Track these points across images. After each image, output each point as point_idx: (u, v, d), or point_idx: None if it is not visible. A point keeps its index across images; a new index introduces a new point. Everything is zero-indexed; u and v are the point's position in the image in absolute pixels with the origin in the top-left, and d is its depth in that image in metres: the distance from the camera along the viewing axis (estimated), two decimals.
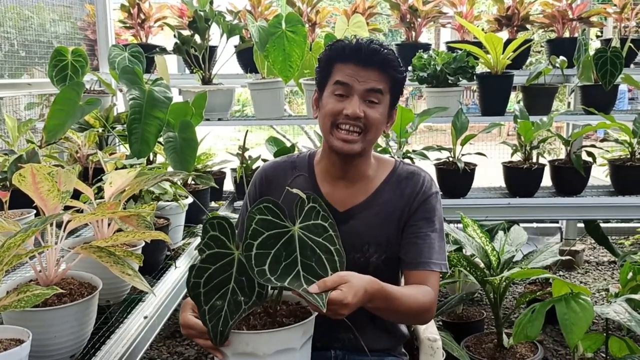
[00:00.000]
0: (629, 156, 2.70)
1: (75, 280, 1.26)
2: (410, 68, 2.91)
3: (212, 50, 2.96)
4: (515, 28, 3.23)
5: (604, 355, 1.61)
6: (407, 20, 3.25)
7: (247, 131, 2.04)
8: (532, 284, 2.97)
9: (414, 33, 3.28)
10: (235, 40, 3.03)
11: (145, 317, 1.45)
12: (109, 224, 1.46)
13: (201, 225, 2.18)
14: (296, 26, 2.73)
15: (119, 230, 1.42)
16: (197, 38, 2.84)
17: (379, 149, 2.53)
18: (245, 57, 3.13)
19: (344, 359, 1.48)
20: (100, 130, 2.40)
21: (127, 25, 3.31)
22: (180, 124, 1.87)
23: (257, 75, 3.02)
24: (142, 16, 3.30)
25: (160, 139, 1.84)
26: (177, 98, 2.58)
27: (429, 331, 1.51)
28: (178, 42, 2.84)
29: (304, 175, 1.45)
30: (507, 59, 2.81)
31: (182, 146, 1.85)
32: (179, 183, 1.98)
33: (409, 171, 1.47)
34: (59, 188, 1.13)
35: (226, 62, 3.00)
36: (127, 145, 2.44)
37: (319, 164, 1.48)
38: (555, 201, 2.66)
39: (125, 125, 2.46)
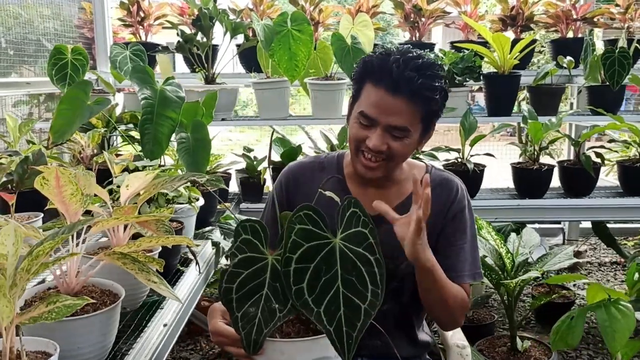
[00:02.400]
0: (637, 157, 2.68)
1: (97, 288, 1.20)
2: None
3: (214, 49, 2.91)
4: (519, 28, 3.21)
5: None
6: (411, 19, 3.22)
7: (272, 132, 1.98)
8: (539, 286, 2.95)
9: (418, 32, 3.24)
10: (237, 39, 2.98)
11: (165, 325, 1.40)
12: (124, 229, 1.41)
13: (208, 228, 2.14)
14: (302, 25, 2.69)
15: (138, 235, 1.37)
16: (200, 36, 2.79)
17: None
18: (248, 56, 3.08)
19: None
20: (102, 130, 2.34)
21: (127, 23, 3.24)
22: (193, 124, 1.82)
23: (261, 74, 2.97)
24: (142, 14, 3.23)
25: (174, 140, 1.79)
26: None
27: (457, 337, 1.48)
28: (181, 40, 2.78)
29: (337, 177, 1.41)
30: (514, 59, 2.78)
31: (195, 147, 1.80)
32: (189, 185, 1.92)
33: (442, 177, 1.43)
34: (82, 192, 1.08)
35: (227, 62, 2.95)
36: (131, 147, 2.40)
37: (348, 166, 1.44)
38: (565, 202, 2.64)
39: (128, 126, 2.43)
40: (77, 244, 1.18)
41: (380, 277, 1.10)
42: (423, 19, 3.21)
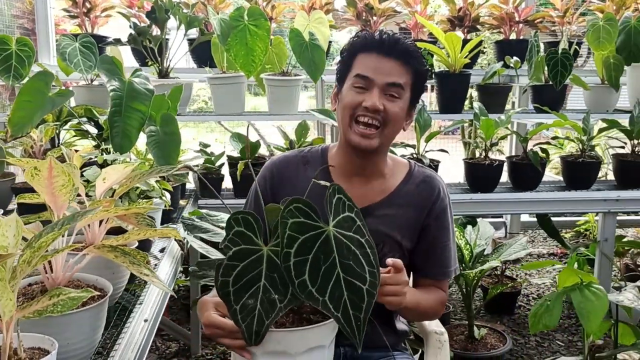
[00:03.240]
0: (579, 153, 2.84)
1: (83, 283, 1.17)
2: None
3: (166, 43, 2.85)
4: (466, 29, 3.32)
5: (601, 342, 1.71)
6: (363, 17, 3.27)
7: (248, 124, 1.97)
8: (488, 276, 3.07)
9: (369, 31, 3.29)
10: (188, 34, 2.93)
11: (146, 320, 1.37)
12: (99, 224, 1.37)
13: (172, 225, 2.10)
14: (259, 20, 2.68)
15: (114, 230, 1.34)
16: (153, 29, 2.73)
17: None
18: (200, 51, 3.04)
19: (352, 355, 1.47)
20: (53, 125, 2.25)
21: (72, 14, 3.12)
22: (162, 117, 1.78)
23: (215, 69, 2.94)
24: (88, 5, 3.12)
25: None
26: None
27: (435, 324, 1.53)
28: (134, 32, 2.71)
29: (331, 166, 1.42)
30: (465, 58, 2.88)
31: (165, 141, 1.76)
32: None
33: (425, 174, 1.47)
34: (73, 183, 1.04)
35: (182, 56, 2.90)
36: (85, 141, 2.32)
37: (333, 159, 1.46)
38: (514, 196, 2.76)
39: (82, 119, 2.34)
40: (72, 239, 1.14)
41: (374, 257, 1.13)
42: (375, 18, 3.26)
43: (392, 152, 2.59)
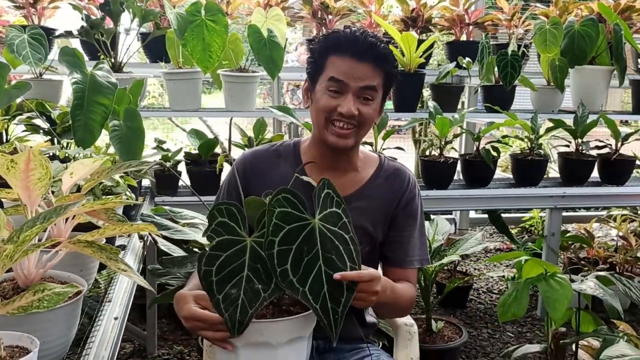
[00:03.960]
0: (528, 151, 2.95)
1: (56, 280, 1.13)
2: None
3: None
4: (419, 29, 3.39)
5: (564, 329, 1.78)
6: (319, 16, 3.28)
7: (231, 118, 1.94)
8: (441, 272, 3.14)
9: (325, 29, 3.31)
10: (140, 28, 2.87)
11: (116, 318, 1.34)
12: (66, 220, 1.33)
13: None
14: (216, 15, 2.64)
15: (85, 227, 1.30)
16: (106, 22, 2.65)
17: None
18: (154, 46, 2.97)
19: (325, 348, 1.48)
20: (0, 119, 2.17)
21: (18, 5, 3.00)
22: (125, 112, 1.74)
23: (169, 64, 2.88)
24: None
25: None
26: None
27: (404, 317, 1.55)
28: (86, 25, 2.63)
29: (298, 163, 1.42)
30: (420, 57, 2.94)
31: (129, 136, 1.72)
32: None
33: (395, 167, 1.51)
34: (50, 176, 1.01)
35: (135, 51, 2.84)
36: (36, 137, 2.24)
37: (306, 153, 1.46)
38: (467, 193, 2.84)
39: (32, 114, 2.26)
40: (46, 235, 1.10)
41: (356, 253, 1.15)
42: (330, 16, 3.28)
43: None
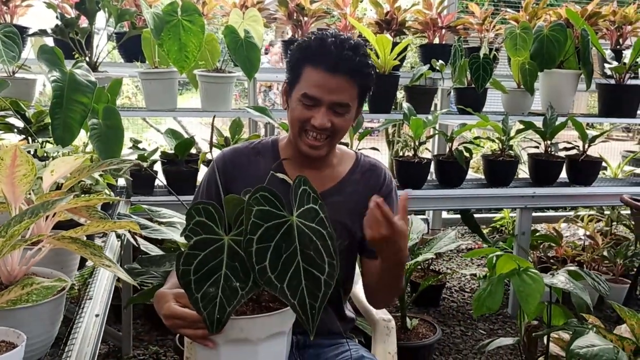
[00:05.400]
0: (499, 152, 3.02)
1: (39, 276, 1.13)
2: None
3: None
4: (393, 32, 3.44)
5: (536, 323, 1.83)
6: (295, 17, 3.31)
7: (213, 117, 1.95)
8: (415, 270, 3.19)
9: (300, 30, 3.34)
10: (113, 27, 2.86)
11: (97, 315, 1.34)
12: (46, 218, 1.33)
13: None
14: (193, 15, 2.65)
15: (75, 224, 1.30)
16: (81, 21, 2.64)
17: None
18: (130, 45, 2.96)
19: (304, 343, 1.50)
20: None
21: None
22: (104, 110, 1.74)
23: (145, 64, 2.88)
24: None
25: None
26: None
27: (383, 312, 1.59)
28: (61, 24, 2.61)
29: (287, 159, 1.44)
30: (394, 60, 2.99)
31: (108, 134, 1.72)
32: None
33: (371, 163, 1.54)
34: (35, 173, 1.01)
35: (111, 50, 2.83)
36: (10, 135, 2.21)
37: (284, 151, 1.49)
38: (440, 193, 2.90)
39: (7, 112, 2.23)
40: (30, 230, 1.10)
41: (333, 249, 1.17)
42: (306, 18, 3.31)
43: None
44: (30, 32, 2.75)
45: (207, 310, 1.09)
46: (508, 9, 3.66)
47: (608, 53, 3.39)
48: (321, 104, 1.35)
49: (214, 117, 1.86)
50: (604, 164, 3.58)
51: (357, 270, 1.63)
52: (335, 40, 1.35)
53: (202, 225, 1.13)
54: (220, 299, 1.10)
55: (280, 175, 1.24)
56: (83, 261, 1.61)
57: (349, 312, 1.61)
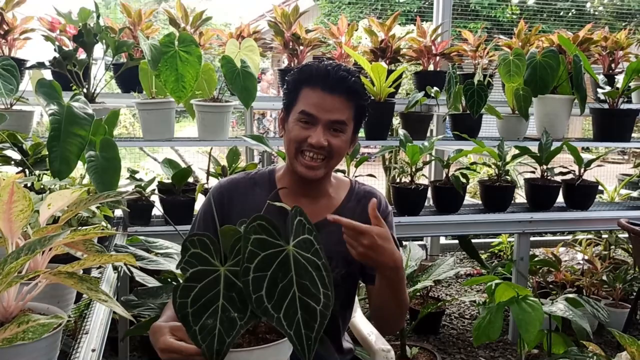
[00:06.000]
0: (495, 177, 3.03)
1: (35, 312, 1.12)
2: None
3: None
4: (388, 60, 3.48)
5: (536, 351, 1.81)
6: (291, 47, 3.34)
7: (211, 148, 1.96)
8: (414, 297, 3.18)
9: (296, 59, 3.38)
10: (111, 58, 2.89)
11: (93, 350, 1.33)
12: (43, 252, 1.32)
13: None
14: (190, 46, 2.69)
15: (72, 258, 1.30)
16: (79, 53, 2.66)
17: None
18: (127, 76, 2.99)
19: None
20: None
21: None
22: (102, 142, 1.75)
23: (142, 95, 2.90)
24: (6, 27, 3.00)
25: None
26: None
27: (381, 342, 1.58)
28: (59, 56, 2.63)
29: (284, 189, 1.45)
30: (390, 87, 3.02)
31: (105, 166, 1.72)
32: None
33: (366, 190, 1.55)
34: (32, 208, 1.01)
35: (108, 81, 2.85)
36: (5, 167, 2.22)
37: (281, 181, 1.49)
38: (438, 219, 2.90)
39: (4, 144, 2.24)
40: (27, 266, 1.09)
41: (329, 279, 1.17)
42: (301, 47, 3.35)
43: None
44: (28, 64, 2.77)
45: (207, 343, 1.08)
46: (501, 36, 3.71)
47: (601, 78, 3.42)
48: (318, 123, 1.38)
49: (211, 148, 1.87)
50: (600, 187, 3.59)
51: (356, 299, 1.62)
52: (331, 63, 1.42)
53: (197, 257, 1.13)
54: (219, 330, 1.09)
55: (278, 204, 1.24)
56: (80, 293, 1.60)
57: (347, 342, 1.60)
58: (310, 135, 1.39)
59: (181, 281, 1.13)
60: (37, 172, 2.02)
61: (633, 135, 3.46)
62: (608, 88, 3.28)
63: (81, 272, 1.43)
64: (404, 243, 2.83)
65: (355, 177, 2.82)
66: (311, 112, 1.38)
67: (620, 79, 3.30)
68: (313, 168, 1.41)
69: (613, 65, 3.65)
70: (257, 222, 1.13)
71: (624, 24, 8.49)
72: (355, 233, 1.21)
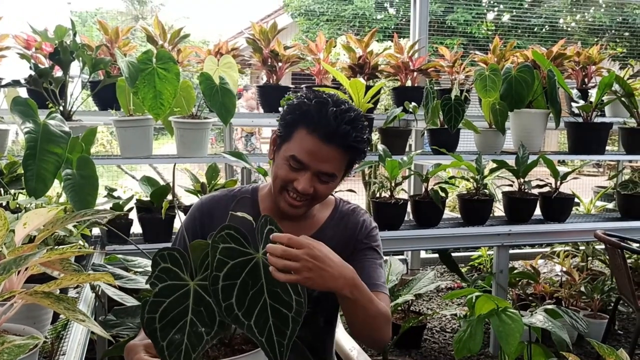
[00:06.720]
0: (474, 191, 3.06)
1: (10, 333, 1.10)
2: (280, 109, 3.00)
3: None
4: (366, 76, 3.51)
5: None
6: (269, 63, 3.36)
7: (174, 165, 1.94)
8: (395, 312, 3.18)
9: (275, 76, 3.39)
10: (87, 76, 2.87)
11: None
12: (18, 272, 1.30)
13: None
14: (168, 63, 2.67)
15: (48, 277, 1.27)
16: (55, 71, 2.64)
17: None
18: (104, 94, 2.97)
19: None
20: None
21: None
22: (79, 160, 1.73)
23: (120, 112, 2.88)
24: None
25: None
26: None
27: (363, 357, 1.57)
28: (34, 74, 2.61)
29: (256, 210, 1.44)
30: (368, 102, 3.04)
31: (82, 184, 1.70)
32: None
33: (351, 208, 1.55)
34: (9, 228, 0.99)
35: (85, 99, 2.83)
36: None
37: (264, 201, 1.49)
38: (418, 233, 2.91)
39: None
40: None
41: (301, 287, 1.16)
42: (280, 64, 3.37)
43: None
44: (3, 82, 2.74)
45: (173, 358, 1.07)
46: (477, 52, 3.76)
47: (575, 92, 3.49)
48: (307, 169, 1.34)
49: (174, 165, 1.85)
50: (576, 200, 3.64)
51: (338, 315, 1.61)
52: (336, 111, 1.31)
53: (167, 272, 1.12)
54: (185, 345, 1.08)
55: (240, 214, 1.23)
56: (57, 313, 1.57)
57: (334, 358, 1.59)
58: (297, 179, 1.35)
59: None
60: (12, 191, 1.99)
61: (607, 147, 3.52)
62: (582, 102, 3.34)
63: (58, 291, 1.40)
64: (385, 258, 2.83)
65: (336, 192, 2.82)
66: (303, 160, 1.33)
67: (593, 93, 3.36)
68: (295, 207, 1.39)
69: (586, 80, 3.72)
70: (225, 232, 1.13)
71: (596, 39, 8.69)
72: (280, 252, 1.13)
